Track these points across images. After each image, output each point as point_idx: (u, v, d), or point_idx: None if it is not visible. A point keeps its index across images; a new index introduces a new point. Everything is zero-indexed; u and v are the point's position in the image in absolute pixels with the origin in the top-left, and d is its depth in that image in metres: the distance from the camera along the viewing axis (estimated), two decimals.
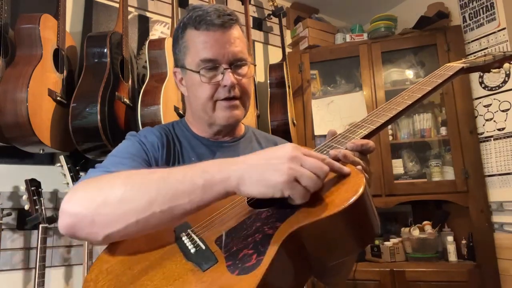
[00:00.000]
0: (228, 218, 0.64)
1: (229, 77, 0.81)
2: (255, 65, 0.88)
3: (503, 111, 2.19)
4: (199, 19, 0.82)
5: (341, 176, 0.59)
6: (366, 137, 0.68)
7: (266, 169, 0.55)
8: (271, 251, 0.52)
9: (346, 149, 0.64)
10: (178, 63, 0.89)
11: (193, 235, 0.62)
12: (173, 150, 0.87)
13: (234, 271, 0.53)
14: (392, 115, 0.72)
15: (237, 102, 0.85)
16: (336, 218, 0.52)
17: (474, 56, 0.91)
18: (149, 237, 0.64)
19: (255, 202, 0.66)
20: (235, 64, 0.83)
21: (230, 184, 0.57)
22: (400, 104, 0.75)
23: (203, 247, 0.59)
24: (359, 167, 0.60)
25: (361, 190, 0.53)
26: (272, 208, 0.62)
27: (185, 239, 0.62)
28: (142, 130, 0.90)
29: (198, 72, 0.82)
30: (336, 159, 0.62)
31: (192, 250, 0.59)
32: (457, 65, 0.88)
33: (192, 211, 0.59)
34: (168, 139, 0.87)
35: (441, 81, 0.81)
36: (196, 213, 0.66)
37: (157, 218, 0.59)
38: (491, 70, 0.92)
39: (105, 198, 0.61)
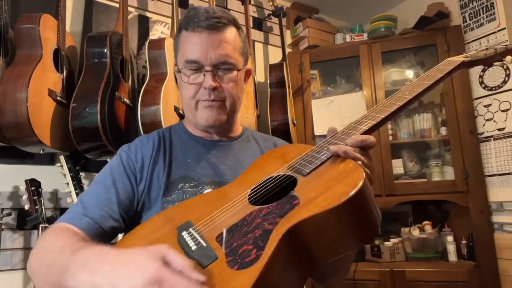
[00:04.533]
0: (229, 215, 0.64)
1: (208, 80, 0.81)
2: (238, 70, 0.85)
3: (503, 111, 2.19)
4: (189, 20, 0.83)
5: (341, 171, 0.59)
6: (367, 132, 0.68)
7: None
8: (270, 245, 0.52)
9: (346, 145, 0.64)
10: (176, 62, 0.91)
11: (194, 233, 0.63)
12: (163, 155, 0.87)
13: (233, 266, 0.53)
14: (392, 110, 0.72)
15: (218, 103, 0.85)
16: (336, 211, 0.52)
17: (475, 51, 0.90)
18: (151, 238, 0.65)
19: (257, 199, 0.67)
20: (219, 67, 0.83)
21: None
22: (400, 99, 0.74)
23: (204, 244, 0.59)
24: (359, 162, 0.60)
25: (360, 184, 0.54)
26: (273, 204, 0.62)
27: (186, 237, 0.63)
28: (122, 150, 0.88)
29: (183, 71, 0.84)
30: (337, 155, 0.63)
31: (193, 248, 0.59)
32: (457, 59, 0.86)
33: None
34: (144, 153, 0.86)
35: (441, 75, 0.79)
36: (198, 211, 0.68)
37: None
38: (493, 63, 0.89)
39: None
